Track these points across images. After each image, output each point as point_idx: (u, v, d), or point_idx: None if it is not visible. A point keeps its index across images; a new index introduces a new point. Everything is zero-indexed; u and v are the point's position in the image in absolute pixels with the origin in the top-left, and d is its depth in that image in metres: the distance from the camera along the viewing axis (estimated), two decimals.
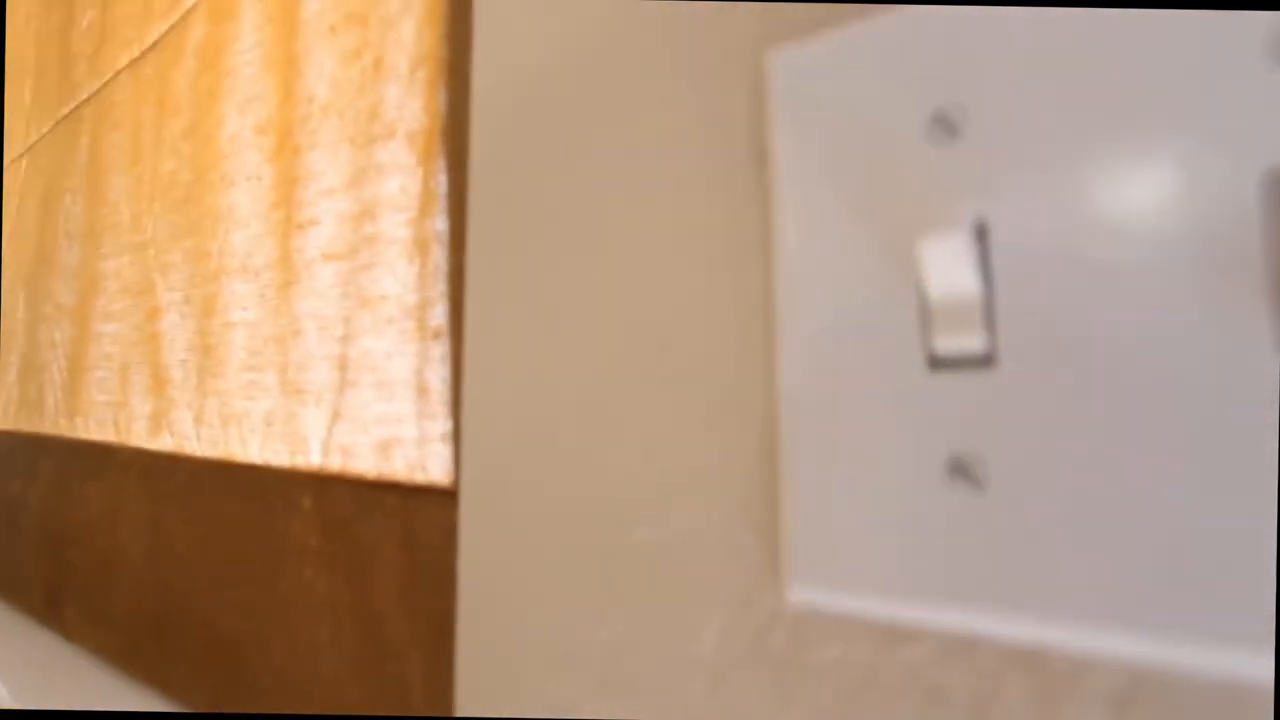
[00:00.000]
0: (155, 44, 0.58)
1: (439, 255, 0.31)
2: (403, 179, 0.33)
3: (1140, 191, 0.11)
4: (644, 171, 0.19)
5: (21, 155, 0.89)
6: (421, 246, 0.32)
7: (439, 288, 0.31)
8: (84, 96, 0.71)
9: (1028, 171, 0.12)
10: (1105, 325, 0.12)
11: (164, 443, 0.49)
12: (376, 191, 0.35)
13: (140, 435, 0.52)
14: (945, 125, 0.13)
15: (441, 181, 0.31)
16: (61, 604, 0.57)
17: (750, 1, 0.17)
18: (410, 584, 0.31)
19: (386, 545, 0.32)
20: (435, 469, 0.30)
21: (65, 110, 0.75)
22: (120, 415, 0.55)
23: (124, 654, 0.49)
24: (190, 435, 0.47)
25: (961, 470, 0.13)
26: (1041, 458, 0.12)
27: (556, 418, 0.21)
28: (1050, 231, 0.12)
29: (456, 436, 0.29)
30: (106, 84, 0.66)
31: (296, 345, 0.39)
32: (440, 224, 0.31)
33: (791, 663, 0.15)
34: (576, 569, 0.19)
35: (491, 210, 0.25)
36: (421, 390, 0.32)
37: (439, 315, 0.31)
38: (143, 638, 0.47)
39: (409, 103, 0.34)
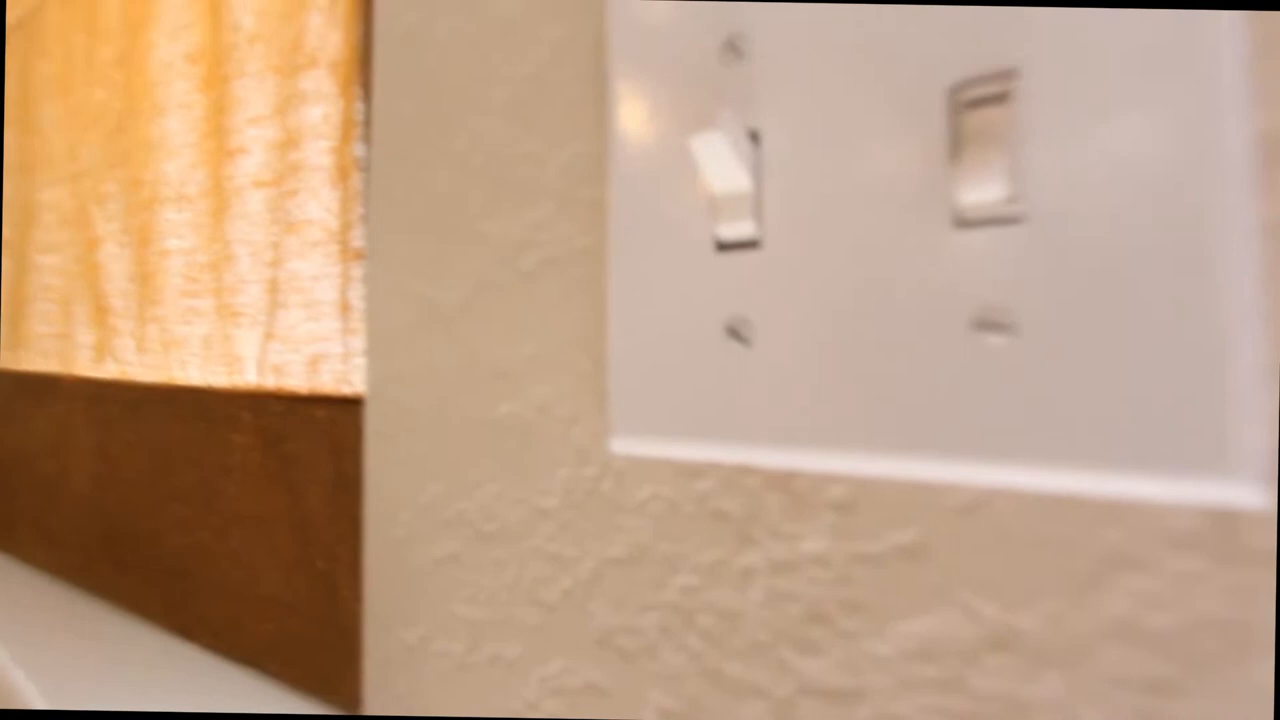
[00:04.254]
0: None
1: (358, 180, 0.33)
2: (325, 107, 0.35)
3: (861, 107, 0.14)
4: (509, 108, 0.21)
5: None
6: (343, 173, 0.34)
7: (358, 211, 0.33)
8: (13, 22, 0.69)
9: (793, 92, 0.15)
10: (842, 213, 0.14)
11: (108, 370, 0.51)
12: (300, 120, 0.36)
13: (85, 364, 0.53)
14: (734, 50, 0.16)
15: (360, 109, 0.33)
16: (14, 528, 0.59)
17: None
18: (337, 488, 0.33)
19: (317, 455, 0.35)
20: (358, 381, 0.33)
21: None
22: (64, 346, 0.56)
23: (77, 571, 0.51)
24: (133, 362, 0.48)
25: (735, 332, 0.16)
26: (797, 320, 0.15)
27: (437, 326, 0.24)
28: (805, 140, 0.15)
29: (368, 353, 0.31)
30: (34, 10, 0.64)
31: (230, 270, 0.40)
32: (360, 150, 0.33)
33: (617, 503, 0.18)
34: (456, 446, 0.22)
35: (392, 138, 0.26)
36: (345, 308, 0.34)
37: (359, 237, 0.33)
38: (94, 556, 0.50)
39: (330, 33, 0.35)
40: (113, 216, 0.51)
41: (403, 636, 0.24)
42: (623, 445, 0.18)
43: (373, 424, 0.26)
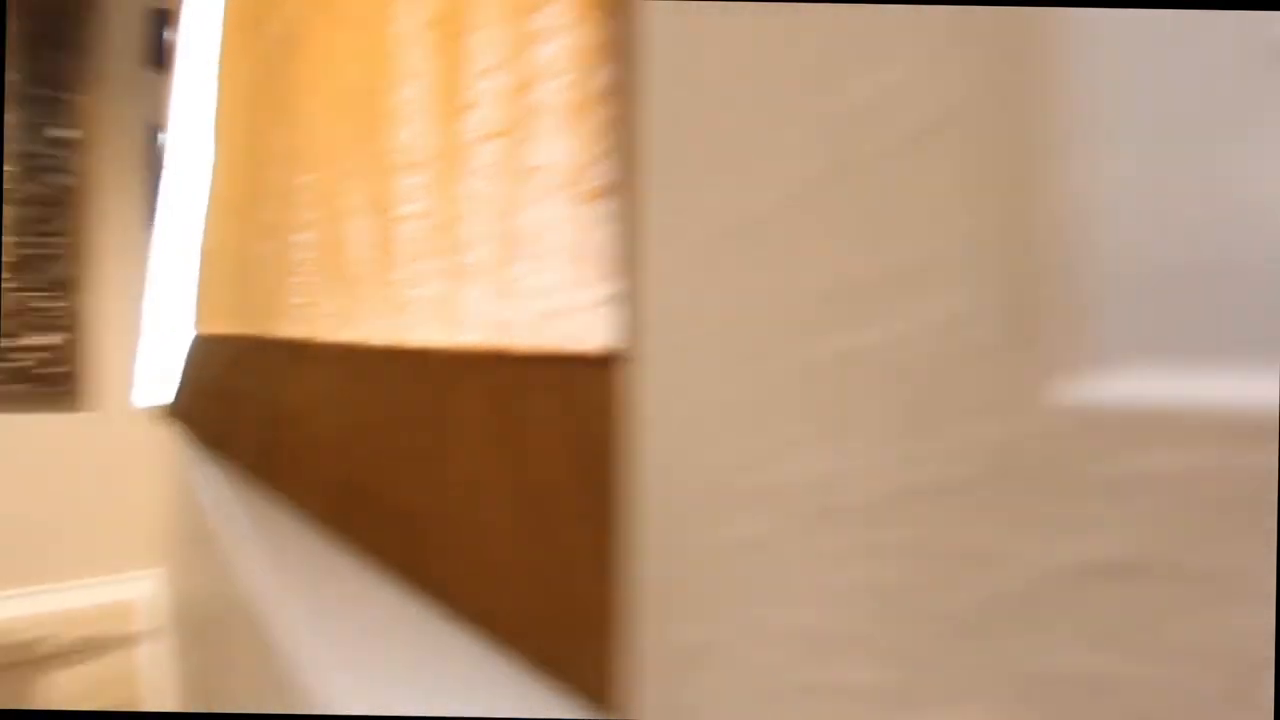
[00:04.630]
0: None
1: (600, 113, 0.30)
2: (562, 40, 0.32)
3: None
4: None
5: (231, 97, 1.00)
6: (583, 106, 0.31)
7: (601, 146, 0.30)
8: (279, 33, 0.77)
9: None
10: None
11: (350, 334, 0.54)
12: (533, 61, 0.34)
13: (330, 329, 0.58)
14: None
15: (603, 35, 0.30)
16: (280, 475, 0.66)
17: None
18: (577, 453, 0.31)
19: (551, 417, 0.33)
20: (592, 337, 0.30)
21: (265, 48, 0.82)
22: (313, 314, 0.61)
23: (323, 518, 0.55)
24: (372, 326, 0.51)
25: None
26: None
27: (736, 246, 0.19)
28: None
29: (632, 299, 0.28)
30: (296, 16, 0.72)
31: (460, 229, 0.40)
32: (602, 80, 0.30)
33: (1078, 478, 0.12)
34: (769, 391, 0.17)
35: (668, 31, 0.22)
36: (578, 258, 0.31)
37: (599, 176, 0.30)
38: (341, 506, 0.53)
39: None
40: (357, 190, 0.54)
41: (680, 636, 0.20)
42: (1095, 388, 0.11)
43: (644, 376, 0.23)
